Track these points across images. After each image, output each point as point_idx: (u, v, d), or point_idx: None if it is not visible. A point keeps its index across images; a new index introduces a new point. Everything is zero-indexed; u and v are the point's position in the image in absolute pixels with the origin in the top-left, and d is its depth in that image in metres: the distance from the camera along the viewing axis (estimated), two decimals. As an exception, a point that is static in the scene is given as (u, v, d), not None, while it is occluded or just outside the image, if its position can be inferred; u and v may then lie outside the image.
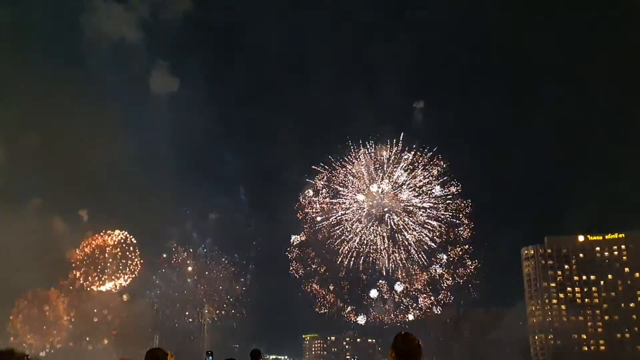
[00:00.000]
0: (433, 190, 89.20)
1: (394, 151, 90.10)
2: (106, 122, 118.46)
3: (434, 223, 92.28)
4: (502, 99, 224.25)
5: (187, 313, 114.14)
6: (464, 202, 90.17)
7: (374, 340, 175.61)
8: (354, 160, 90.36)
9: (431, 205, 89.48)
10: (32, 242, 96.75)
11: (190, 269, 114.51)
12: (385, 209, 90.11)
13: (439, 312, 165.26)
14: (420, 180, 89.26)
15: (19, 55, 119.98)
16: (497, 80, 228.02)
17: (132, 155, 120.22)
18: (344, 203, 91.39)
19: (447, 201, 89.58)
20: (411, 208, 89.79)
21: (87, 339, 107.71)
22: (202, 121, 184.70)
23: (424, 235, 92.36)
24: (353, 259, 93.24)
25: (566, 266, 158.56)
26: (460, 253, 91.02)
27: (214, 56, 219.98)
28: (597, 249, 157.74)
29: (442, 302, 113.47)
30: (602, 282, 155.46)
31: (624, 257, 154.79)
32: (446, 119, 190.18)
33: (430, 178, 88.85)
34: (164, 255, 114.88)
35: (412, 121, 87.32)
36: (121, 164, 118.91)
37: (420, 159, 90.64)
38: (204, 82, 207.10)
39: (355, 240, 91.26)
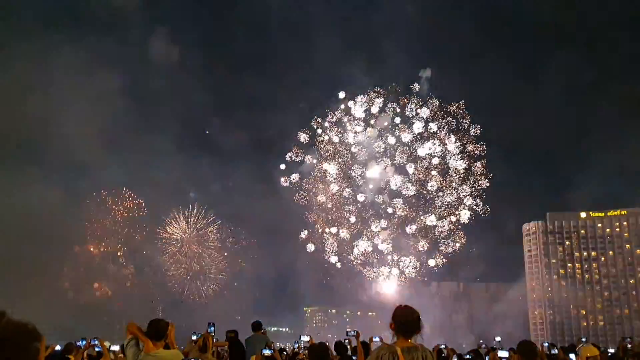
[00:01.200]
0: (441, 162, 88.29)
1: (397, 120, 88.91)
2: (105, 90, 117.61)
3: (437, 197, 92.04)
4: (506, 69, 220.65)
5: (189, 285, 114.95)
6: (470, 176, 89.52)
7: (374, 314, 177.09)
8: (355, 129, 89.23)
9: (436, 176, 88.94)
10: (32, 211, 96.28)
11: (192, 240, 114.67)
12: (386, 180, 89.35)
13: (438, 287, 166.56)
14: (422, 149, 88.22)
15: (16, 23, 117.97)
16: (502, 49, 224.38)
17: (132, 124, 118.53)
18: (347, 175, 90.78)
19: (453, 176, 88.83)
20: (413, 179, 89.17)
21: (90, 311, 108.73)
22: (203, 89, 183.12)
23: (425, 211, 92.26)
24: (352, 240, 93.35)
25: (567, 242, 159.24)
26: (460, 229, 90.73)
27: (215, 23, 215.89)
28: (599, 225, 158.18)
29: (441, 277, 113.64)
30: (602, 259, 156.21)
31: (625, 234, 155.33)
32: (451, 90, 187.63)
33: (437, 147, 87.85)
34: (165, 227, 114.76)
35: (419, 90, 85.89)
36: (121, 132, 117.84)
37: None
38: (205, 49, 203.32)
39: (353, 214, 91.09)
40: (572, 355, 13.29)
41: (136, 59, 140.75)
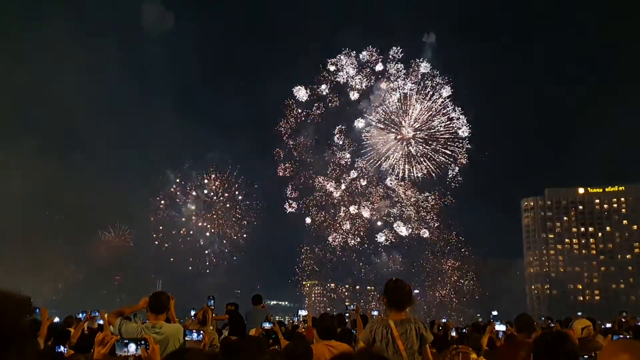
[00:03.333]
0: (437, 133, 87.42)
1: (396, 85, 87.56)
2: (98, 59, 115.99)
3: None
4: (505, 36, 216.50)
5: (190, 259, 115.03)
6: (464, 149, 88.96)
7: (372, 288, 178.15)
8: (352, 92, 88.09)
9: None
10: (29, 185, 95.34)
11: (190, 211, 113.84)
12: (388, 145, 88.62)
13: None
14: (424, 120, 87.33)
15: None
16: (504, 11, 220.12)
17: (126, 93, 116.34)
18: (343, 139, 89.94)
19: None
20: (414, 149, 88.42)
21: (91, 284, 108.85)
22: (199, 58, 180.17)
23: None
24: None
25: (565, 218, 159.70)
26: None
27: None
28: (597, 201, 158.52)
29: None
30: (600, 234, 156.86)
31: (623, 210, 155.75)
32: (453, 57, 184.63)
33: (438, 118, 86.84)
34: (162, 199, 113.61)
35: (422, 57, 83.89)
36: (114, 103, 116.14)
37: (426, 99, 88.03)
38: (200, 16, 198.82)
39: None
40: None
41: (129, 26, 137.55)
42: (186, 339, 6.28)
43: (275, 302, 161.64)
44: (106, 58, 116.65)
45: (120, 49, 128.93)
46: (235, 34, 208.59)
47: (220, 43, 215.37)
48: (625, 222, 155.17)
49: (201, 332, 6.39)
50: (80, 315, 11.74)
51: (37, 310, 9.83)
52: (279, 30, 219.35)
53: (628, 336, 10.62)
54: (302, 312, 14.32)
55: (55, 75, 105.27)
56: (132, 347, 4.32)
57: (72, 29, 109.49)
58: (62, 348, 8.51)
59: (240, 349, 5.42)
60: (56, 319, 14.31)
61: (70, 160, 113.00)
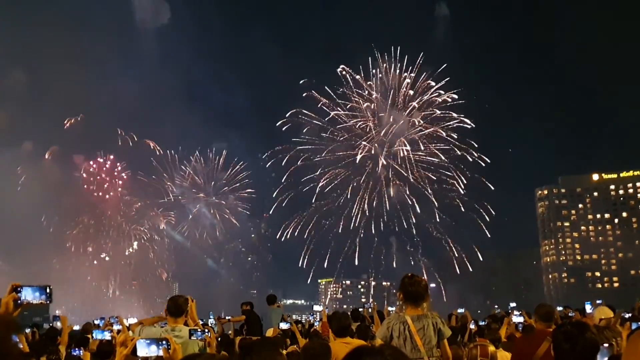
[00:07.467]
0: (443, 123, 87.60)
1: (404, 74, 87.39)
2: (93, 56, 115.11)
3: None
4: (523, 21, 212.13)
5: (205, 259, 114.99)
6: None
7: (388, 284, 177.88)
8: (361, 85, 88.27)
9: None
10: (31, 187, 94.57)
11: (203, 211, 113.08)
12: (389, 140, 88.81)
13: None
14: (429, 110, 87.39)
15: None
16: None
17: (123, 91, 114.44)
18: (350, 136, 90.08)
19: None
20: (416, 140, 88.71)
21: (107, 289, 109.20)
22: (196, 51, 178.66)
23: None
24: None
25: (580, 205, 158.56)
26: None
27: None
28: (612, 187, 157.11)
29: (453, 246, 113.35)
30: (616, 220, 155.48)
31: (639, 195, 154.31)
32: (468, 37, 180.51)
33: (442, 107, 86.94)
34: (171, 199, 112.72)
35: (434, 34, 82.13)
36: (111, 101, 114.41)
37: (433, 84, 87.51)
38: (196, 7, 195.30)
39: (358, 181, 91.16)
40: (587, 308, 13.50)
41: (121, 20, 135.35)
42: (191, 338, 6.31)
43: (291, 301, 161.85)
44: (101, 55, 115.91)
45: (115, 44, 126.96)
46: (235, 24, 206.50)
47: (218, 33, 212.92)
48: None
49: (206, 330, 6.43)
50: (99, 321, 11.82)
51: (57, 317, 9.92)
52: (280, 15, 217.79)
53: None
54: (317, 308, 14.38)
55: (49, 71, 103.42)
56: (153, 348, 4.33)
57: (62, 22, 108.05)
58: (78, 351, 8.54)
59: (256, 352, 5.41)
60: (75, 327, 14.44)
61: (68, 162, 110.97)
